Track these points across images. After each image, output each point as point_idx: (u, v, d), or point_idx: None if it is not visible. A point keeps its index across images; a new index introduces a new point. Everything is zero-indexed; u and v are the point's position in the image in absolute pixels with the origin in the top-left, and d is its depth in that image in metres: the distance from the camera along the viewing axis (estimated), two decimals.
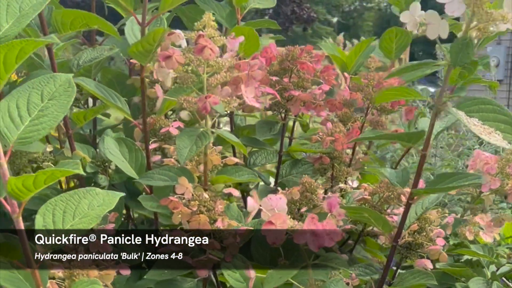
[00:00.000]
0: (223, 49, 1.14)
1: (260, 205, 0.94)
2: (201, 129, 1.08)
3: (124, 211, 1.42)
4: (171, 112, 1.43)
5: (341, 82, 1.40)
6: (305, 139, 1.41)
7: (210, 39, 1.03)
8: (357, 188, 1.35)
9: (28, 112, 0.88)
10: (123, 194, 0.93)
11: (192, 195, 1.07)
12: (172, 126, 1.28)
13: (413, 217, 1.09)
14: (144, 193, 1.36)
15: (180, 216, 1.07)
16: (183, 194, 1.07)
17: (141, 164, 1.23)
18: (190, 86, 1.07)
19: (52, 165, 1.30)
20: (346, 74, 1.37)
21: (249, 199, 0.91)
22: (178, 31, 1.06)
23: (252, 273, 0.92)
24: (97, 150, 1.38)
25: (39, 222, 0.89)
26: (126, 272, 1.11)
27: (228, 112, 1.28)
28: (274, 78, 1.29)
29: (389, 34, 1.53)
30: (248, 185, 1.38)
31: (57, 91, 0.89)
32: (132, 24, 1.15)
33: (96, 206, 0.91)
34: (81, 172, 0.80)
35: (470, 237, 1.33)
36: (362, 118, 1.37)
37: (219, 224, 1.05)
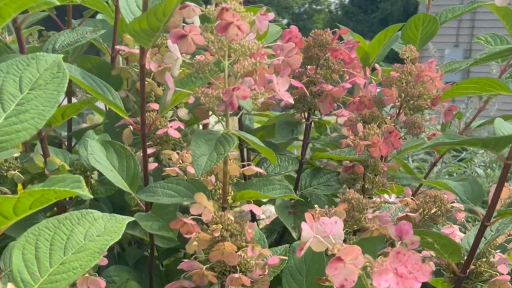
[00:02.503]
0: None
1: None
2: (222, 131, 0.84)
3: None
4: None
5: (368, 75, 1.18)
6: (325, 144, 1.18)
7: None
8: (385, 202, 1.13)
9: (2, 107, 0.63)
10: (131, 218, 0.69)
11: (213, 216, 0.83)
12: (171, 127, 1.04)
13: (482, 241, 0.87)
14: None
15: (196, 243, 0.83)
16: (200, 215, 0.83)
17: (134, 174, 0.99)
18: (206, 75, 0.83)
19: (20, 175, 1.05)
20: (377, 66, 1.15)
21: (303, 224, 0.68)
22: (192, 4, 0.82)
23: None
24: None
25: (17, 259, 0.64)
26: None
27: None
28: (298, 69, 1.06)
29: (415, 21, 1.32)
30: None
31: (42, 77, 0.65)
32: None
33: (95, 236, 0.66)
34: (85, 193, 0.56)
35: None
36: (393, 118, 1.16)
37: (250, 254, 0.81)
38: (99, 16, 1.35)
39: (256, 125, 1.30)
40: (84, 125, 1.40)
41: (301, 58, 0.82)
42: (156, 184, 0.91)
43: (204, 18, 0.85)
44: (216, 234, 0.82)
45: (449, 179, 1.99)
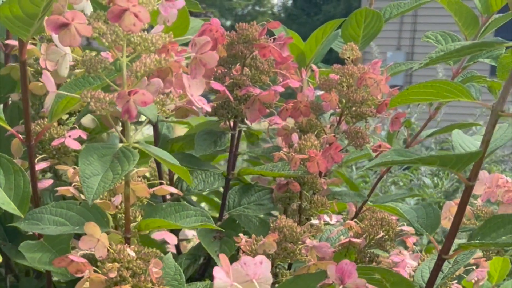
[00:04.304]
0: None
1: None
2: (120, 145, 0.67)
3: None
4: (66, 115, 1.01)
5: (304, 77, 1.03)
6: (256, 156, 1.03)
7: None
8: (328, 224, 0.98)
9: None
10: None
11: (109, 251, 0.66)
12: (69, 136, 0.87)
13: (439, 276, 0.73)
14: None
15: (88, 285, 0.66)
16: (92, 250, 0.66)
17: (23, 193, 0.81)
18: (100, 75, 0.66)
19: None
20: (315, 67, 1.00)
21: (216, 270, 0.52)
22: None
23: None
24: None
25: None
26: None
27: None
28: (221, 69, 0.90)
29: (356, 17, 1.18)
30: None
31: None
32: None
33: None
34: None
35: None
36: (333, 126, 1.01)
37: None
38: None
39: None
40: None
41: (218, 56, 0.66)
42: (43, 209, 0.74)
43: (101, 7, 0.69)
44: (112, 275, 0.65)
45: (395, 193, 1.86)
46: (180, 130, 1.34)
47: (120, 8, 0.60)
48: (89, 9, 0.68)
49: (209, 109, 0.70)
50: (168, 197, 1.00)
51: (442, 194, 1.96)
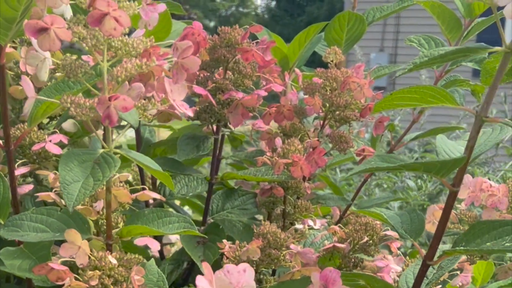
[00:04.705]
0: None
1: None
2: (101, 151, 0.66)
3: None
4: (47, 119, 1.00)
5: (288, 81, 1.02)
6: (240, 160, 1.02)
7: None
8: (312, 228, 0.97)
9: None
10: None
11: (90, 258, 0.65)
12: (50, 141, 0.86)
13: (424, 281, 0.73)
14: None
15: None
16: (73, 257, 0.66)
17: (3, 199, 0.80)
18: (80, 79, 0.65)
19: None
20: (298, 70, 1.00)
21: (199, 279, 0.51)
22: None
23: None
24: None
25: None
26: None
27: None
28: (203, 73, 0.89)
29: (339, 20, 1.17)
30: None
31: None
32: None
33: None
34: None
35: None
36: (317, 130, 1.01)
37: None
38: None
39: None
40: None
41: (200, 60, 0.66)
42: (23, 215, 0.73)
43: (81, 11, 0.68)
44: (94, 283, 0.64)
45: (379, 196, 1.86)
46: (165, 133, 1.33)
47: (100, 12, 0.59)
48: (68, 13, 0.67)
49: (191, 114, 0.69)
50: (151, 201, 0.99)
51: (426, 197, 1.97)
